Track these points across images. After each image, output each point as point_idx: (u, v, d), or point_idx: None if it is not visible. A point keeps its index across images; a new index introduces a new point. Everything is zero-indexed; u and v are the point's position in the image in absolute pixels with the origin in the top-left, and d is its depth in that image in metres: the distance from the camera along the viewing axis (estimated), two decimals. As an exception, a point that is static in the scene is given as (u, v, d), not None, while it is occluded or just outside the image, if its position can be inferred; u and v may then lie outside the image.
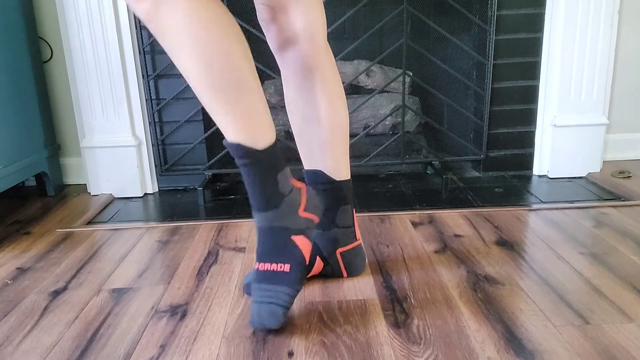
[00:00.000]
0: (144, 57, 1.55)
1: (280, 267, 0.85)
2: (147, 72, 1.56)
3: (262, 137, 0.81)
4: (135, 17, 1.51)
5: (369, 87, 1.94)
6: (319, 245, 1.01)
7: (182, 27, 0.75)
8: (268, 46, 0.95)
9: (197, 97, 1.58)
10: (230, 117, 0.79)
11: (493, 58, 1.58)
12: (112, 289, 1.04)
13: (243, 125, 0.80)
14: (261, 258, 0.86)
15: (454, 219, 1.34)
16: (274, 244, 0.86)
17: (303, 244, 0.88)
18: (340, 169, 0.98)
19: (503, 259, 1.10)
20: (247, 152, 0.81)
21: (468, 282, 1.00)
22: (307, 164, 1.00)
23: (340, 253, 1.01)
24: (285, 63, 0.93)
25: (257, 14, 0.92)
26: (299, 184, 0.90)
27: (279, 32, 0.89)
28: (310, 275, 1.02)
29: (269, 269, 0.85)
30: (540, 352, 0.78)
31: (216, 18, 0.77)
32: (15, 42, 1.53)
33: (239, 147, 0.80)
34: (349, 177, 1.00)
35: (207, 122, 1.63)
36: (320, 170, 0.98)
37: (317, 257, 1.01)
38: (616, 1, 1.53)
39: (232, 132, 0.80)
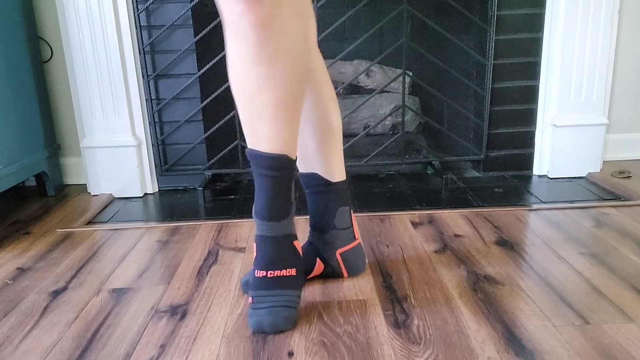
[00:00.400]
0: (144, 57, 1.55)
1: (289, 272, 0.87)
2: (147, 72, 1.56)
3: (296, 147, 0.85)
4: (135, 17, 1.51)
5: (369, 87, 1.94)
6: (318, 247, 1.01)
7: (295, 36, 0.76)
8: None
9: (197, 99, 1.59)
10: (285, 130, 0.81)
11: (493, 58, 1.58)
12: (112, 289, 1.04)
13: (291, 137, 0.82)
14: (268, 266, 0.87)
15: (454, 219, 1.34)
16: (282, 252, 0.87)
17: (299, 247, 0.91)
18: (336, 170, 0.99)
19: (503, 259, 1.10)
20: (288, 163, 0.83)
21: (468, 282, 1.00)
22: (302, 167, 1.00)
23: (340, 254, 1.01)
24: None
25: None
26: None
27: None
28: (311, 276, 1.02)
29: (278, 275, 0.87)
30: (540, 352, 0.78)
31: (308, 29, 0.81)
32: (15, 42, 1.53)
33: (284, 158, 0.82)
34: (344, 177, 1.01)
35: (207, 122, 1.63)
36: (317, 173, 0.98)
37: (317, 259, 1.01)
38: (616, 1, 1.53)
39: (281, 144, 0.81)
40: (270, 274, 0.87)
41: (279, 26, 0.74)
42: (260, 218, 0.86)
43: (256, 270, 0.87)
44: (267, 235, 0.87)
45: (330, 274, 1.03)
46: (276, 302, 0.86)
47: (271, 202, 0.85)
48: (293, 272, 0.88)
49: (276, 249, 0.87)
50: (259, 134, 0.81)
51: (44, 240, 1.32)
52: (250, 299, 0.88)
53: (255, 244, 0.88)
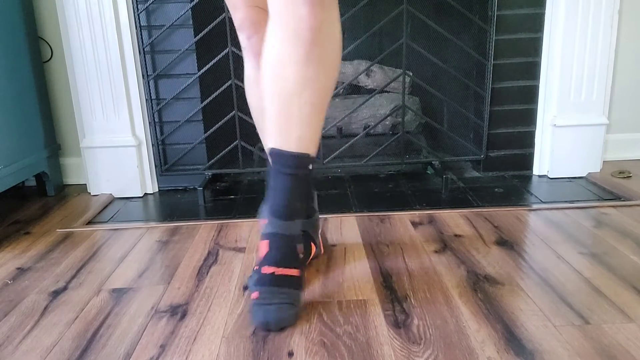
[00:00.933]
0: (144, 57, 1.55)
1: (293, 272, 0.90)
2: (147, 72, 1.56)
3: (317, 147, 0.90)
4: (135, 17, 1.51)
5: (369, 87, 1.94)
6: (310, 233, 1.06)
7: (338, 39, 0.83)
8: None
9: (197, 99, 1.59)
10: (315, 130, 0.85)
11: (493, 58, 1.58)
12: (112, 289, 1.04)
13: (317, 137, 0.86)
14: (278, 263, 0.89)
15: (454, 219, 1.34)
16: (289, 251, 0.90)
17: (301, 250, 0.94)
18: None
19: (503, 259, 1.10)
20: (311, 162, 0.87)
21: (468, 282, 1.00)
22: None
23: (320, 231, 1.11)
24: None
25: (237, 22, 0.98)
26: None
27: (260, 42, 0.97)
28: (308, 260, 1.07)
29: (285, 273, 0.89)
30: (540, 352, 0.78)
31: None
32: (15, 42, 1.53)
33: (308, 157, 0.86)
34: None
35: (207, 122, 1.63)
36: None
37: (312, 244, 1.06)
38: (616, 1, 1.53)
39: (308, 143, 0.85)
40: (279, 271, 0.88)
41: (330, 29, 0.80)
42: (277, 216, 0.88)
43: (264, 267, 0.89)
44: (281, 233, 0.89)
45: (317, 254, 1.09)
46: (283, 299, 0.87)
47: (293, 199, 0.88)
48: (297, 272, 0.90)
49: (286, 248, 0.89)
50: (290, 133, 0.84)
51: (44, 240, 1.32)
52: (255, 294, 0.88)
53: (266, 241, 0.89)
